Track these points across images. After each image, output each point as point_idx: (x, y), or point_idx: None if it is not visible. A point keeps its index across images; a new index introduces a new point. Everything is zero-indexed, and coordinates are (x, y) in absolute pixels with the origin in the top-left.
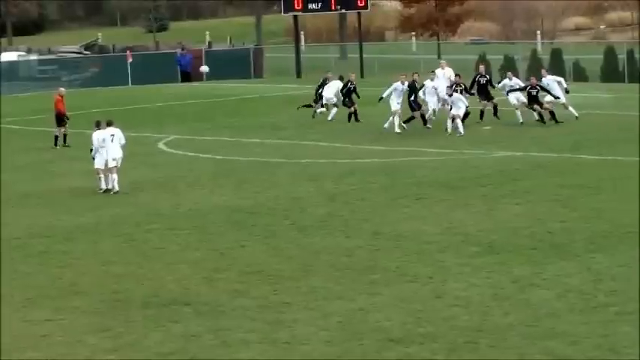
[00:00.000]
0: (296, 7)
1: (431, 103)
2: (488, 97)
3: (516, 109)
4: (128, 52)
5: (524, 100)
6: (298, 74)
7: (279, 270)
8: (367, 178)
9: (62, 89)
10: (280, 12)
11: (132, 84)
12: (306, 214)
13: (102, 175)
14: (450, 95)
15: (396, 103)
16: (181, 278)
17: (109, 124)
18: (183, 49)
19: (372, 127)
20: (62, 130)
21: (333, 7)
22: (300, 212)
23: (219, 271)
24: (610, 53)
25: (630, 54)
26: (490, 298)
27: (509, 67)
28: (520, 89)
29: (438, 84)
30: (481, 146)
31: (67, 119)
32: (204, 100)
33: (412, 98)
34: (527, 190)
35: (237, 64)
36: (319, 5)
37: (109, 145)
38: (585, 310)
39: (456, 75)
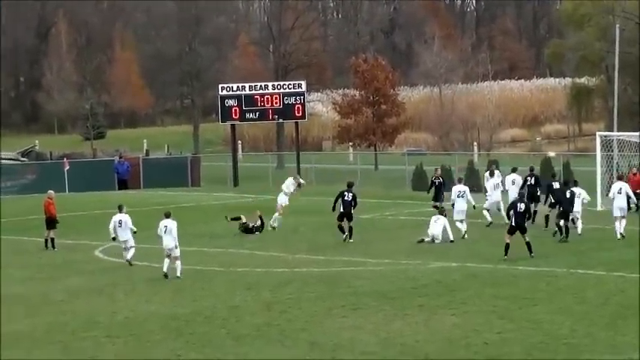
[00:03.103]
0: (233, 117)
1: None
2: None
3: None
4: (65, 159)
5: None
6: (235, 183)
7: None
8: (304, 287)
9: (51, 192)
10: (218, 121)
11: (69, 191)
12: (243, 323)
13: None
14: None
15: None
16: None
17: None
18: (120, 157)
19: (310, 237)
20: (51, 233)
21: (270, 117)
22: (237, 321)
23: None
24: (546, 164)
25: (566, 165)
26: None
27: (446, 177)
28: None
29: None
30: (418, 256)
31: (57, 222)
32: (142, 209)
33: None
34: (464, 301)
35: (174, 173)
36: (257, 115)
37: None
38: None
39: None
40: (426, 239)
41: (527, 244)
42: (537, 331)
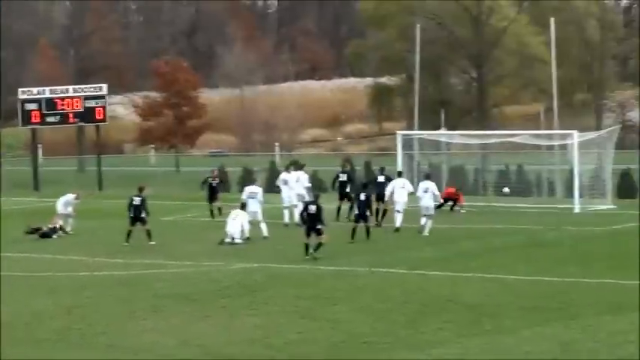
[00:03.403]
0: (33, 120)
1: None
2: None
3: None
4: None
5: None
6: (36, 187)
7: None
8: (105, 290)
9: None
10: (18, 125)
11: None
12: (44, 328)
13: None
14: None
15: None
16: None
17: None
18: None
19: (110, 240)
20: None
21: (71, 121)
22: (38, 326)
23: None
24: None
25: (367, 165)
26: None
27: (248, 178)
28: None
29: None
30: (220, 258)
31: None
32: None
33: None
34: (266, 302)
35: None
36: (57, 118)
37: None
38: None
39: None
40: (226, 240)
41: (318, 244)
42: (338, 330)
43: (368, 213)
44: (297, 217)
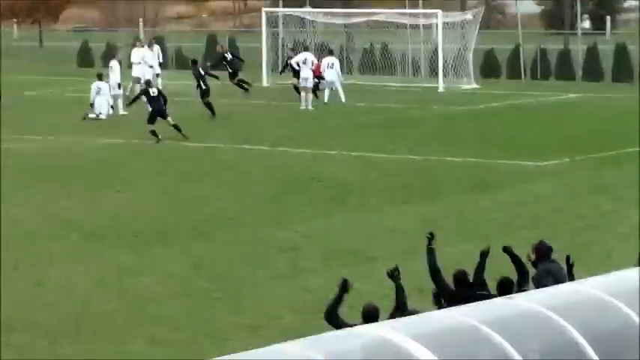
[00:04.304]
0: None
1: None
2: None
3: None
4: None
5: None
6: None
7: None
8: None
9: None
10: None
11: None
12: None
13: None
14: None
15: None
16: None
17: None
18: None
19: None
20: None
21: None
22: None
23: None
24: (211, 42)
25: (232, 42)
26: (93, 286)
27: (111, 54)
28: None
29: None
30: (83, 133)
31: None
32: None
33: None
34: (130, 178)
35: None
36: None
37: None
38: (187, 296)
39: None
40: (90, 115)
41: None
42: (202, 206)
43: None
44: None
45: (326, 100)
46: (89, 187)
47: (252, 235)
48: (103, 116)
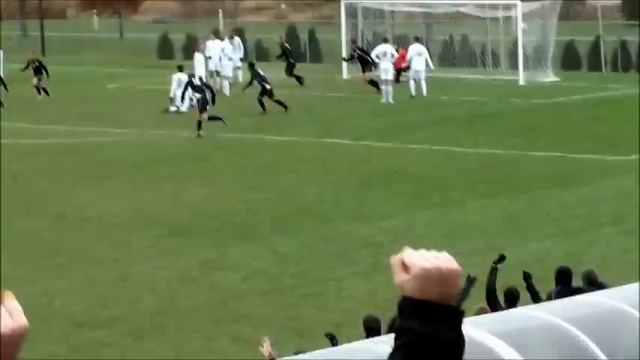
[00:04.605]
0: None
1: None
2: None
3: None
4: None
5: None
6: None
7: None
8: (51, 158)
9: None
10: None
11: None
12: None
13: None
14: None
15: None
16: None
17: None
18: None
19: (57, 107)
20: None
21: None
22: None
23: None
24: (292, 33)
25: (312, 33)
26: (176, 281)
27: (192, 45)
28: None
29: None
30: (166, 127)
31: None
32: None
33: None
34: (212, 171)
35: None
36: None
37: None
38: (271, 293)
39: None
40: (172, 108)
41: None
42: (285, 200)
43: None
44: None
45: (413, 93)
46: (173, 181)
47: (335, 230)
48: (183, 109)
